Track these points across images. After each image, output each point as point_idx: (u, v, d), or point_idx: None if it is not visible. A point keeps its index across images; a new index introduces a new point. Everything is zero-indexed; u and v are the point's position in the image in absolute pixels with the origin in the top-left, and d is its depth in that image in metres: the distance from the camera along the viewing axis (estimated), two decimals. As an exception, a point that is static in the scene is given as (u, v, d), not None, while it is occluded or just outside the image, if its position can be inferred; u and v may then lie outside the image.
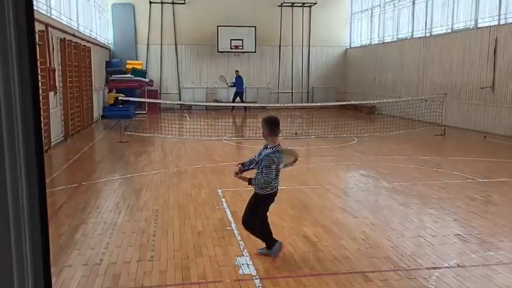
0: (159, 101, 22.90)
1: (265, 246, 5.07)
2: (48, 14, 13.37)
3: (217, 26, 25.26)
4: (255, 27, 25.64)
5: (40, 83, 11.82)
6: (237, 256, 5.08)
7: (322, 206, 7.10)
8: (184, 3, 25.66)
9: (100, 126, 18.18)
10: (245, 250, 5.25)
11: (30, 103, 0.97)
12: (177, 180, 8.86)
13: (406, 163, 10.63)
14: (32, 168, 0.97)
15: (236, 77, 24.23)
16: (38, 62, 11.61)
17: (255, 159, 5.04)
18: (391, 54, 22.60)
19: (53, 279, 4.48)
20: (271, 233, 5.05)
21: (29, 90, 0.98)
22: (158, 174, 9.47)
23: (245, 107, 23.76)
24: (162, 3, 25.56)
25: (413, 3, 20.94)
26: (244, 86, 24.49)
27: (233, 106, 23.60)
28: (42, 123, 9.62)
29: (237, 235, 5.75)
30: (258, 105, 23.35)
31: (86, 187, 8.37)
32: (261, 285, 4.40)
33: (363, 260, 5.01)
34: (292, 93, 27.62)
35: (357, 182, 9.08)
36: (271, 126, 4.92)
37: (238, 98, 23.94)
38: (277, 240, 4.99)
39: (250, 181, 4.93)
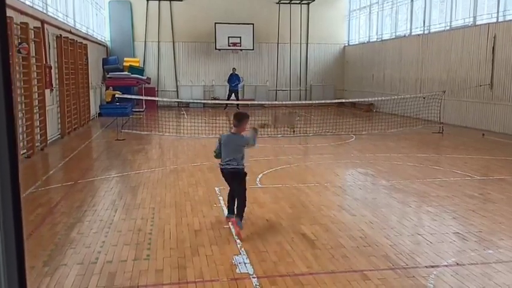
0: (156, 98, 22.81)
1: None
2: (44, 11, 13.28)
3: (215, 23, 25.18)
4: (253, 24, 25.57)
5: (36, 80, 11.75)
6: (234, 255, 5.03)
7: (320, 204, 7.06)
8: (181, 0, 25.57)
9: (97, 124, 18.09)
10: (242, 249, 5.20)
11: (3, 105, 0.91)
12: (174, 179, 8.80)
13: (404, 161, 10.59)
14: (5, 176, 0.91)
15: (231, 75, 24.30)
16: (34, 59, 11.54)
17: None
18: (390, 51, 22.56)
19: (48, 278, 4.44)
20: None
21: (1, 91, 0.91)
22: (155, 172, 9.41)
23: (237, 105, 23.76)
24: (159, 0, 25.46)
25: (412, 0, 20.89)
26: (240, 84, 24.59)
27: (226, 104, 23.53)
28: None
29: (234, 234, 5.70)
30: (256, 103, 23.30)
31: (82, 185, 8.31)
32: (258, 284, 4.36)
33: (361, 258, 4.97)
34: (290, 90, 27.58)
35: (355, 180, 9.04)
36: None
37: (233, 95, 24.01)
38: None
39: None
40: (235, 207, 5.94)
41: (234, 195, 6.03)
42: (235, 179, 5.99)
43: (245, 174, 6.02)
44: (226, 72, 26.10)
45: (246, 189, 6.00)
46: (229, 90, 24.36)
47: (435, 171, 9.61)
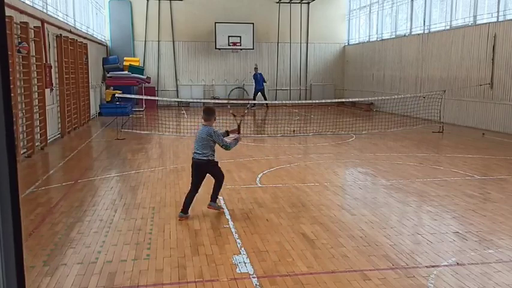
0: (156, 98, 22.80)
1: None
2: (44, 10, 13.27)
3: (215, 23, 25.17)
4: (253, 23, 25.56)
5: (36, 79, 11.75)
6: (234, 254, 5.03)
7: (320, 204, 7.06)
8: (181, 0, 25.55)
9: (97, 123, 18.09)
10: (242, 248, 5.20)
11: (2, 104, 0.90)
12: (174, 178, 8.80)
13: (404, 160, 10.59)
14: (3, 175, 0.91)
15: (256, 74, 24.54)
16: (34, 58, 11.53)
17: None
18: (390, 51, 22.55)
19: (48, 278, 4.44)
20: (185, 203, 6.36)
21: (0, 91, 0.91)
22: (155, 171, 9.41)
23: (266, 104, 24.24)
24: (159, -1, 25.47)
25: (412, -1, 20.89)
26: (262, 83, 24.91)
27: (254, 103, 23.75)
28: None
29: (234, 233, 5.71)
30: (256, 102, 23.33)
31: (82, 185, 8.30)
32: (258, 283, 4.36)
33: (361, 258, 4.97)
34: (290, 90, 27.57)
35: (355, 179, 9.04)
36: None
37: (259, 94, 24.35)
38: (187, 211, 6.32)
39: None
40: (191, 205, 6.36)
41: (193, 194, 6.34)
42: (200, 170, 6.37)
43: (215, 163, 6.38)
44: (226, 72, 26.22)
45: (223, 175, 6.50)
46: (255, 89, 24.58)
47: (435, 170, 9.61)
